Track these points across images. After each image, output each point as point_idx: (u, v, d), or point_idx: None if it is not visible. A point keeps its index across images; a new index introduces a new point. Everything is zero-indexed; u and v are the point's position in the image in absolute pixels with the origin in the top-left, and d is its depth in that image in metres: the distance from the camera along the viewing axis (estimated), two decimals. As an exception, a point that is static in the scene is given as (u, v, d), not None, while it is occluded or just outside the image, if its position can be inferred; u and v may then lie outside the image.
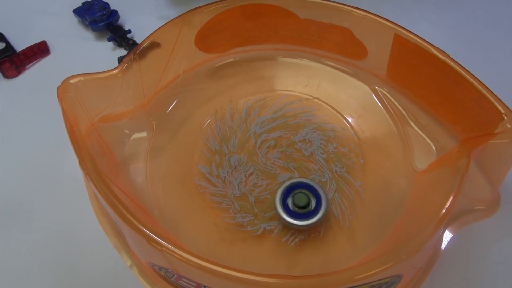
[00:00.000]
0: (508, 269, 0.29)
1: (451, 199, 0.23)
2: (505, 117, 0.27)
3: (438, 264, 0.28)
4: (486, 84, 0.29)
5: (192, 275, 0.22)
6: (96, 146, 0.29)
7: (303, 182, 0.30)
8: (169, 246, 0.21)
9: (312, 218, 0.28)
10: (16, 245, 0.31)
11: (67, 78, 0.29)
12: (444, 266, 0.29)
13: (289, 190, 0.29)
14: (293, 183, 0.30)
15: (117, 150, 0.32)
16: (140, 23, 0.44)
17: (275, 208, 0.29)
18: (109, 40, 0.41)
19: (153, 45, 0.32)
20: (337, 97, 0.36)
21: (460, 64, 0.30)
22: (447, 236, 0.29)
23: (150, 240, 0.22)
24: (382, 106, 0.35)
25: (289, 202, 0.29)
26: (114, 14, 0.43)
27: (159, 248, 0.22)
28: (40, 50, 0.40)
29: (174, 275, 0.24)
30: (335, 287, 0.20)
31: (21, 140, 0.36)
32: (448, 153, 0.28)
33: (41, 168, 0.34)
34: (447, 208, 0.23)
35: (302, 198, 0.29)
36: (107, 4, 0.43)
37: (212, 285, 0.22)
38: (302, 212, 0.29)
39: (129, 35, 0.42)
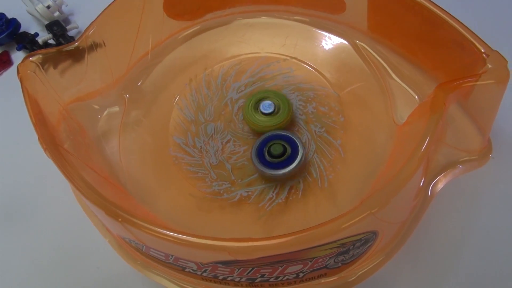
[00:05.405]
0: (501, 219, 0.28)
1: (423, 147, 0.22)
2: (486, 57, 0.25)
3: (425, 220, 0.27)
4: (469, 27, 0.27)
5: (154, 244, 0.22)
6: (65, 126, 0.29)
7: (278, 134, 0.29)
8: (125, 215, 0.21)
9: (290, 165, 0.28)
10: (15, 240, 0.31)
11: (26, 56, 0.28)
12: (432, 222, 0.28)
13: (264, 143, 0.29)
14: (268, 135, 0.29)
15: (89, 128, 0.31)
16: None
17: (253, 163, 0.28)
18: (18, 49, 0.39)
19: (114, 16, 0.31)
20: (315, 55, 0.34)
21: (438, 6, 0.28)
22: (437, 190, 0.28)
23: (108, 211, 0.21)
24: (362, 60, 0.33)
25: (266, 154, 0.28)
26: (13, 22, 0.40)
27: (118, 219, 0.21)
28: (1, 61, 0.39)
29: (143, 246, 0.24)
30: (296, 247, 0.19)
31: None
32: (424, 101, 0.26)
33: (26, 169, 0.34)
34: (419, 156, 0.21)
35: (277, 147, 0.28)
36: (2, 15, 0.40)
37: (176, 254, 0.22)
38: (279, 161, 0.28)
39: (68, 26, 0.40)
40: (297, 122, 0.31)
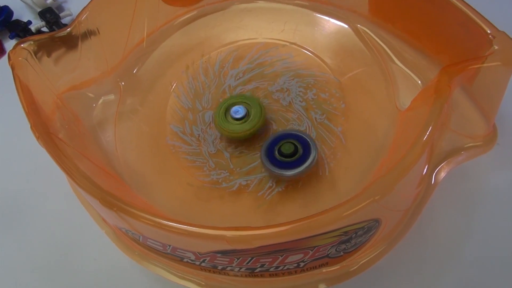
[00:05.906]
0: (505, 206, 0.27)
1: (428, 132, 0.21)
2: (492, 38, 0.24)
3: (428, 208, 0.26)
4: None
5: (151, 234, 0.21)
6: (59, 115, 0.28)
7: (289, 133, 0.28)
8: (121, 205, 0.20)
9: (302, 165, 0.26)
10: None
11: (18, 42, 0.27)
12: (435, 210, 0.27)
13: (275, 143, 0.27)
14: (280, 134, 0.28)
15: (84, 117, 0.30)
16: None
17: (262, 162, 0.27)
18: (11, 37, 0.39)
19: (107, 2, 0.30)
20: (315, 40, 0.33)
21: (442, -14, 0.27)
22: (441, 177, 0.27)
23: (103, 201, 0.21)
24: (364, 45, 0.32)
25: (276, 153, 0.27)
26: (5, 10, 0.39)
27: (113, 208, 0.20)
28: None
29: (140, 237, 0.23)
30: (296, 236, 0.19)
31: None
32: (428, 85, 0.25)
33: (20, 160, 0.33)
34: (423, 142, 0.21)
35: (288, 146, 0.26)
36: None
37: (173, 244, 0.21)
38: (289, 161, 0.26)
39: (62, 13, 0.39)
40: (297, 109, 0.30)
